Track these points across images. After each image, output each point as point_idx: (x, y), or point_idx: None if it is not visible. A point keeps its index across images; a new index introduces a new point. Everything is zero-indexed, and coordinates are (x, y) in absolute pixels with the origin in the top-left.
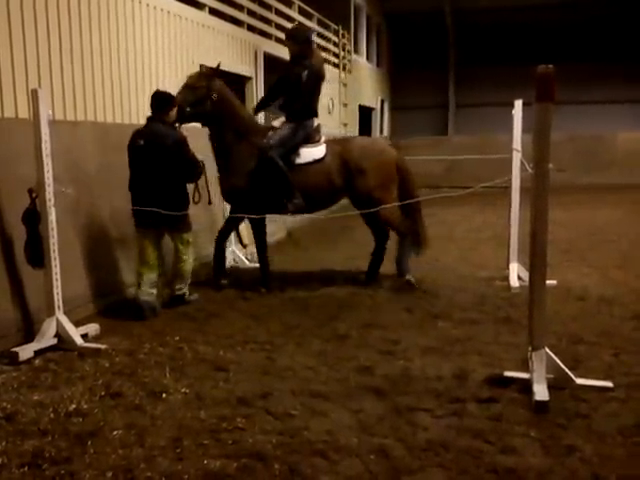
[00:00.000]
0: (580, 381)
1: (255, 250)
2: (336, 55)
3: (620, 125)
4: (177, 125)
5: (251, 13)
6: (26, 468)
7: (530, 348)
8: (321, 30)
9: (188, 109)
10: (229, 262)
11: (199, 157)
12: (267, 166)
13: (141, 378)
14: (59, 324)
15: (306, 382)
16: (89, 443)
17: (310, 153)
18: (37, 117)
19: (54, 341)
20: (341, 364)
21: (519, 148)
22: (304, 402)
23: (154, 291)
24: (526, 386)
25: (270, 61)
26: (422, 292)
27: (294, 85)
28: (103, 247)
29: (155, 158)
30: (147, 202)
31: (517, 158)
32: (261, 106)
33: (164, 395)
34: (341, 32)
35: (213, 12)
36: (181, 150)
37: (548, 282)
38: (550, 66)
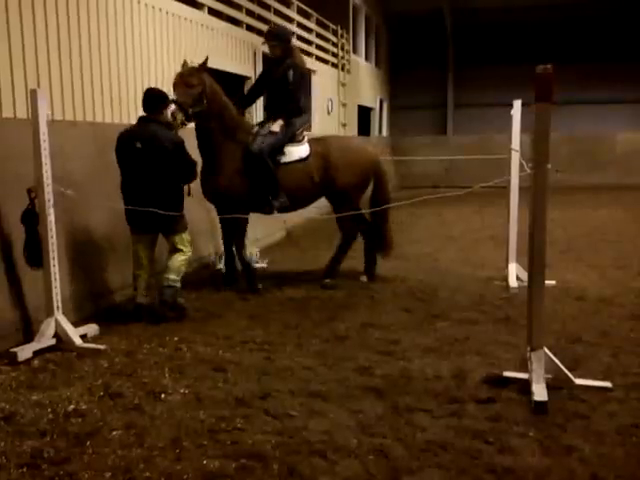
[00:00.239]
0: (579, 381)
1: (249, 251)
2: (335, 55)
3: (619, 125)
4: (178, 127)
5: (250, 13)
6: (25, 468)
7: (529, 348)
8: (320, 30)
9: (190, 110)
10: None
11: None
12: (255, 165)
13: (140, 378)
14: (58, 324)
15: (305, 382)
16: (88, 443)
17: (295, 152)
18: (36, 117)
19: (53, 341)
20: (340, 364)
21: (518, 148)
22: (303, 402)
23: (151, 291)
24: (525, 386)
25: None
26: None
27: (280, 85)
28: (102, 247)
29: (154, 161)
30: (144, 207)
31: (516, 158)
32: (245, 104)
33: (163, 395)
34: (340, 32)
35: (212, 12)
36: (181, 152)
37: (547, 282)
38: (549, 66)
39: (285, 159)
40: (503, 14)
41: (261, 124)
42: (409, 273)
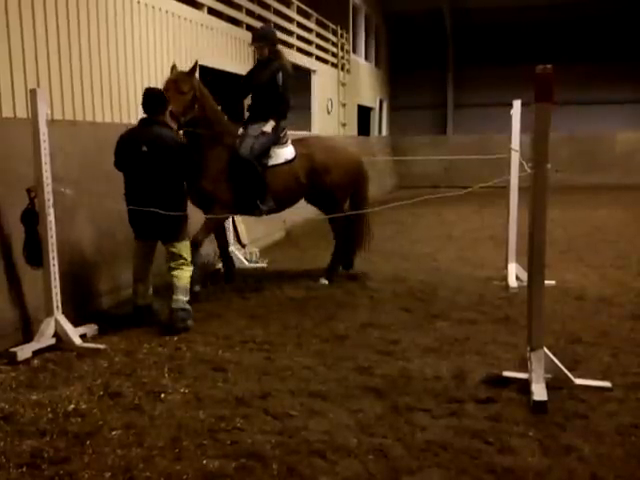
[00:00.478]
0: (578, 381)
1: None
2: (335, 55)
3: (619, 125)
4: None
5: (250, 13)
6: (24, 468)
7: (529, 348)
8: (320, 30)
9: (183, 119)
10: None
11: None
12: (243, 169)
13: (140, 378)
14: (58, 324)
15: (305, 382)
16: (88, 443)
17: (281, 154)
18: (35, 117)
19: (53, 341)
20: (340, 364)
21: (517, 148)
22: (303, 402)
23: (150, 293)
24: (524, 386)
25: None
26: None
27: (269, 87)
28: (102, 247)
29: (160, 163)
30: (150, 212)
31: (516, 158)
32: (231, 105)
33: (163, 395)
34: (340, 32)
35: (212, 12)
36: (185, 152)
37: (546, 282)
38: (549, 66)
39: (272, 162)
40: (503, 14)
41: (245, 126)
42: (409, 273)
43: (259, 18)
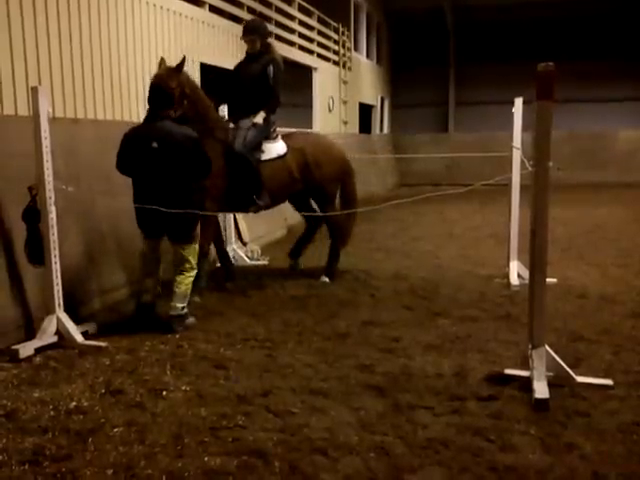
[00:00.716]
0: (580, 379)
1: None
2: (336, 52)
3: (620, 123)
4: None
5: (251, 10)
6: (26, 465)
7: (530, 346)
8: (321, 27)
9: (173, 114)
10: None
11: None
12: (238, 164)
13: (142, 376)
14: (59, 321)
15: (306, 380)
16: (89, 440)
17: (273, 149)
18: (37, 114)
19: (54, 338)
20: (341, 362)
21: (519, 146)
22: (304, 400)
23: (158, 290)
24: (526, 384)
25: None
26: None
27: (260, 80)
28: (103, 245)
29: (171, 160)
30: (161, 211)
31: (517, 156)
32: (220, 100)
33: (165, 393)
34: (341, 29)
35: (213, 9)
36: (197, 148)
37: (548, 280)
38: (550, 64)
39: (264, 156)
40: (504, 12)
41: (235, 119)
42: (410, 270)
43: (260, 16)
